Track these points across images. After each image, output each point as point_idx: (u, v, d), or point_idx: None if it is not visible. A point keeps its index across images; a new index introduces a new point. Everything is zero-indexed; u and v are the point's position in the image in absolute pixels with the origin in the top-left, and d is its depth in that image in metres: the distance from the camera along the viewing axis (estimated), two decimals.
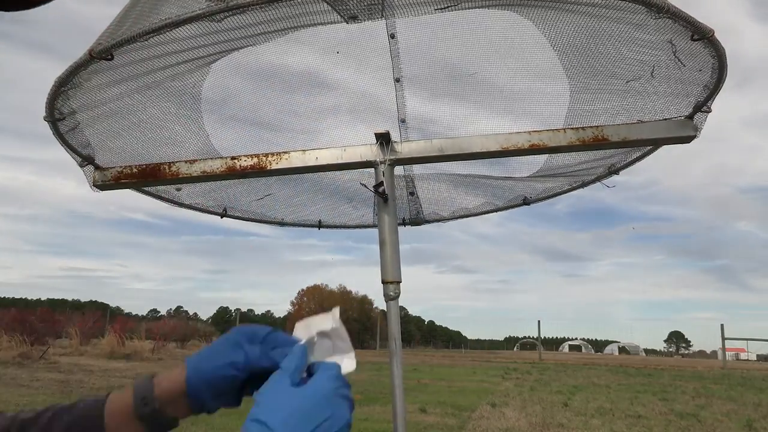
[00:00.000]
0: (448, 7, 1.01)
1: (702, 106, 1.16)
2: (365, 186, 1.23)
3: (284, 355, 0.70)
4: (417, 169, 1.64)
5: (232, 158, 1.31)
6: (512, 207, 1.79)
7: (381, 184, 1.11)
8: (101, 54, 0.95)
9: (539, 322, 25.89)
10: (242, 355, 0.71)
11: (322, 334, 0.69)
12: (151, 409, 0.70)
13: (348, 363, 0.66)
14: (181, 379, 0.71)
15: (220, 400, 0.73)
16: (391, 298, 1.15)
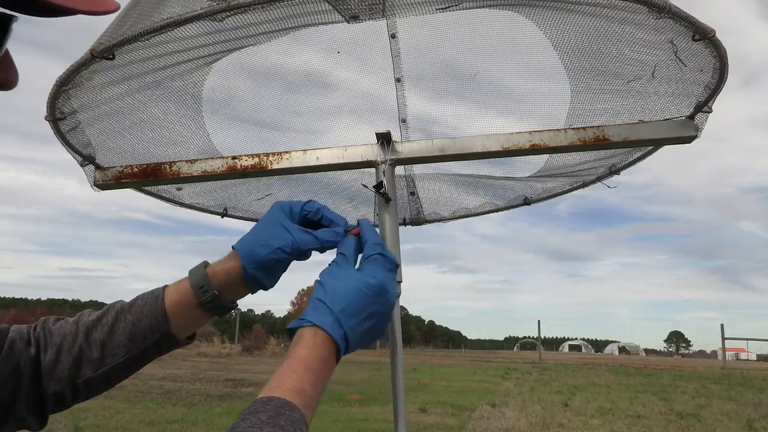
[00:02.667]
0: (449, 6, 1.01)
1: (703, 107, 1.16)
2: (366, 187, 1.23)
3: (331, 234, 0.82)
4: (418, 169, 1.64)
5: (233, 158, 1.31)
6: (513, 207, 1.79)
7: (382, 184, 1.11)
8: (102, 53, 0.94)
9: (539, 322, 25.94)
10: (289, 239, 0.79)
11: None
12: (211, 296, 0.77)
13: None
14: (236, 267, 0.78)
15: (275, 277, 0.81)
16: None
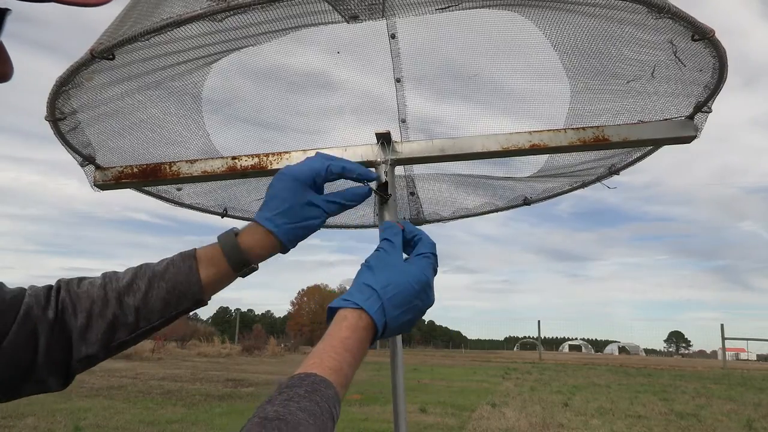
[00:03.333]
0: (448, 6, 1.01)
1: (703, 107, 1.16)
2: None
3: (355, 196, 0.90)
4: (417, 169, 1.64)
5: (233, 158, 1.31)
6: (513, 207, 1.79)
7: (382, 184, 1.11)
8: (102, 53, 0.95)
9: (539, 322, 25.98)
10: (322, 213, 0.86)
11: None
12: (249, 268, 0.83)
13: None
14: (273, 243, 0.84)
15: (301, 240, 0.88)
16: None
